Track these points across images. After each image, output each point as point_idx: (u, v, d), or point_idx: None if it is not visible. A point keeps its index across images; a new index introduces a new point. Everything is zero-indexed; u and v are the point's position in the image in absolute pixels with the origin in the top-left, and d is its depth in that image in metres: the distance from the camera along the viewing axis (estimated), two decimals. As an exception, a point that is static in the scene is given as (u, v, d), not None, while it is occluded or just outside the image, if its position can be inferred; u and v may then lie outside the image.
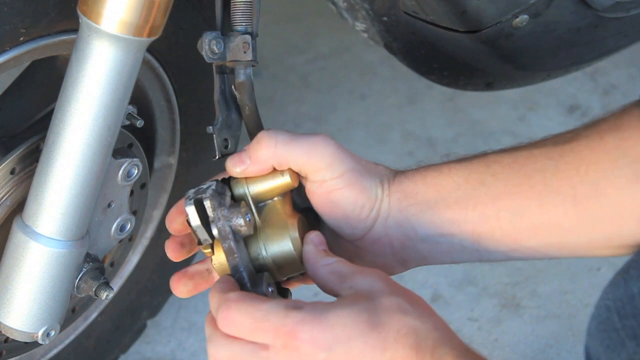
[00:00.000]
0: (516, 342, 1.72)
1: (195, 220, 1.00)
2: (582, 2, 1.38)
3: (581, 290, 1.80)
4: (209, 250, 1.01)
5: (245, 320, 0.91)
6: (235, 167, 1.03)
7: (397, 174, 1.05)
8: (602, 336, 0.96)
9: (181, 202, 1.05)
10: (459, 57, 1.44)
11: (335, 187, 1.01)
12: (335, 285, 0.96)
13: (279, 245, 1.02)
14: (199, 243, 1.01)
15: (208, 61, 1.09)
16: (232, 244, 0.99)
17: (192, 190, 1.01)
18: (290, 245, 1.02)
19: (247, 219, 1.00)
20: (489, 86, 1.53)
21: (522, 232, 1.00)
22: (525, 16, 1.35)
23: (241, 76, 1.10)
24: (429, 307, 0.94)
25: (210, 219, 1.00)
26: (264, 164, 1.02)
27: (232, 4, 1.10)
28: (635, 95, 1.02)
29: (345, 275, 0.96)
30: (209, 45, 1.08)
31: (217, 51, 1.09)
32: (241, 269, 0.99)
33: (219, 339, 0.93)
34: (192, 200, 1.00)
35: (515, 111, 2.16)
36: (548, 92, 2.19)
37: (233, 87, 1.10)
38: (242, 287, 0.98)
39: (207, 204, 1.00)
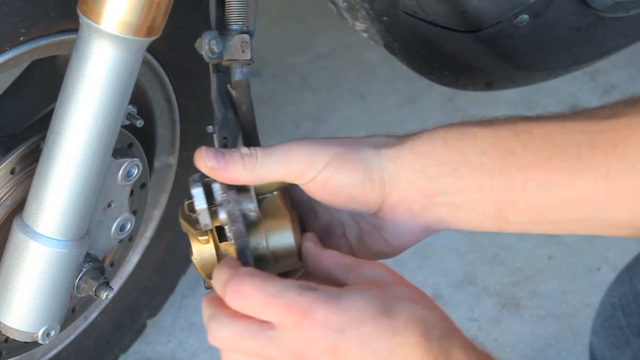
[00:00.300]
0: (516, 342, 1.72)
1: (201, 203, 0.98)
2: (582, 2, 1.38)
3: (581, 290, 1.79)
4: (205, 237, 1.00)
5: (258, 294, 0.89)
6: (208, 159, 0.99)
7: (404, 137, 1.02)
8: (606, 333, 0.96)
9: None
10: (459, 56, 1.44)
11: (327, 178, 0.99)
12: (342, 275, 0.95)
13: (281, 237, 1.01)
14: (195, 229, 1.00)
15: (207, 61, 1.09)
16: (242, 226, 0.98)
17: (197, 174, 0.99)
18: (292, 239, 1.01)
19: (255, 205, 0.99)
20: (489, 86, 1.53)
21: (547, 204, 0.97)
22: (526, 16, 1.35)
23: (238, 75, 1.09)
24: (433, 301, 0.94)
25: (219, 202, 0.98)
26: (237, 181, 1.00)
27: (227, 2, 1.10)
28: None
29: (351, 266, 0.95)
30: (208, 45, 1.08)
31: (216, 51, 1.08)
32: (247, 254, 0.97)
33: (223, 317, 0.90)
34: (199, 183, 0.98)
35: (515, 111, 2.16)
36: (548, 92, 2.19)
37: (229, 85, 1.10)
38: None
39: (216, 186, 0.98)
